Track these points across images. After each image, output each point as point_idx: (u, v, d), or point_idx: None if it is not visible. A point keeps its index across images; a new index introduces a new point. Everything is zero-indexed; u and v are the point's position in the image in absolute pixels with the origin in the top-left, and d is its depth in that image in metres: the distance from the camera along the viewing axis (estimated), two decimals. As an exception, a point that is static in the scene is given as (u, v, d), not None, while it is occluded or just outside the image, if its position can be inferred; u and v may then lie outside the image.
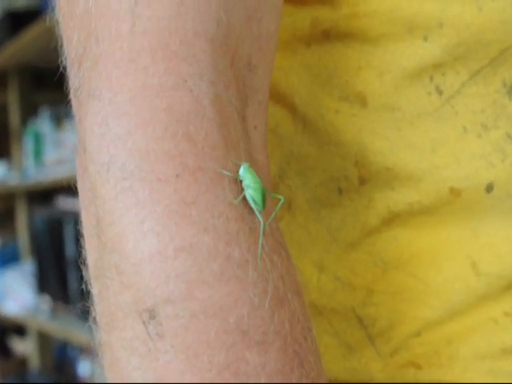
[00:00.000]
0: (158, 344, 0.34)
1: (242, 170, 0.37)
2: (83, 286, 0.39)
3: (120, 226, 0.35)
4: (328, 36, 0.50)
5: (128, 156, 0.35)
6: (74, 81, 0.40)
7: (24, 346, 3.03)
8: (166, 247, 0.34)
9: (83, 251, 0.39)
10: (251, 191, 0.37)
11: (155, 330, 0.34)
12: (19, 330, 3.04)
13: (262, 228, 0.37)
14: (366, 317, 0.52)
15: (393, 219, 0.51)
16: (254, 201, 0.37)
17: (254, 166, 0.38)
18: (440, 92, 0.48)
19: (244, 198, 0.37)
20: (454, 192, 0.49)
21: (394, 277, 0.51)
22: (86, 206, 0.38)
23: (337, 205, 0.52)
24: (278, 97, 0.53)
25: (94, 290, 0.38)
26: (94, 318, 0.38)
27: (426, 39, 0.47)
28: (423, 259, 0.50)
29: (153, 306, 0.34)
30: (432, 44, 0.47)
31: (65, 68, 0.42)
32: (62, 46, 0.42)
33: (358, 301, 0.52)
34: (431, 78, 0.48)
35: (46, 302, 2.45)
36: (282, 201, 0.40)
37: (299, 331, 0.36)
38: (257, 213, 0.37)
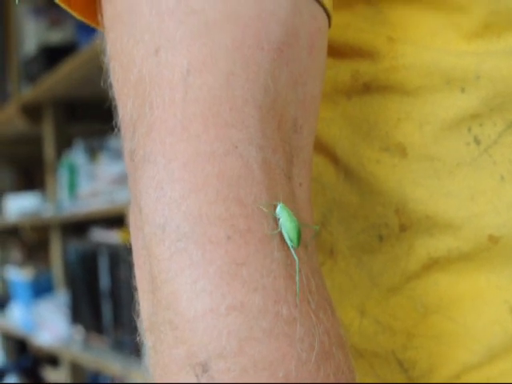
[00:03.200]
0: None
1: (278, 209, 0.38)
2: (137, 338, 0.41)
3: (174, 284, 0.36)
4: (368, 88, 0.52)
5: (182, 219, 0.37)
6: (128, 144, 0.41)
7: (57, 376, 3.04)
8: (219, 306, 0.35)
9: (137, 305, 0.41)
10: (287, 229, 0.38)
11: (207, 383, 0.35)
12: (52, 360, 3.06)
13: (297, 266, 0.38)
14: (407, 360, 0.53)
15: (432, 265, 0.52)
16: (289, 238, 0.38)
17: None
18: (478, 142, 0.49)
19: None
20: (493, 239, 0.50)
21: (434, 321, 0.52)
22: (140, 263, 0.40)
23: (378, 251, 0.53)
24: (321, 147, 0.55)
25: (149, 342, 0.39)
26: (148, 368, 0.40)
27: (463, 91, 0.49)
28: (463, 304, 0.51)
29: (206, 360, 0.35)
30: (469, 95, 0.49)
31: (119, 128, 0.43)
32: (115, 107, 0.44)
33: (398, 344, 0.53)
34: (469, 129, 0.49)
35: (79, 333, 2.46)
36: (316, 230, 0.42)
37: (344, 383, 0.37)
38: (292, 251, 0.38)
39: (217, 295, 0.36)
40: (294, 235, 0.39)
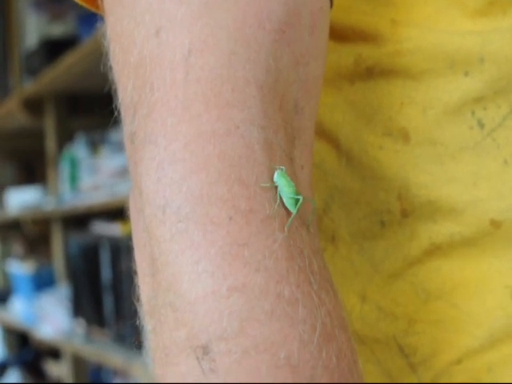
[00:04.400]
0: (211, 378, 0.35)
1: (276, 176, 0.38)
2: (137, 321, 0.41)
3: (175, 266, 0.36)
4: (371, 73, 0.51)
5: (183, 200, 0.37)
6: (129, 126, 0.41)
7: (59, 369, 3.05)
8: (220, 287, 0.35)
9: (137, 288, 0.41)
10: (286, 194, 0.38)
11: (208, 366, 0.35)
12: (54, 353, 3.06)
13: (295, 211, 0.38)
14: (408, 346, 0.53)
15: (434, 251, 0.51)
16: (289, 204, 0.39)
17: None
18: (482, 126, 0.49)
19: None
20: (495, 224, 0.49)
21: (436, 307, 0.52)
22: (140, 246, 0.40)
23: (379, 237, 0.53)
24: (323, 133, 0.54)
25: (149, 325, 0.39)
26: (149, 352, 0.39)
27: (466, 74, 0.49)
28: (465, 289, 0.51)
29: (206, 342, 0.35)
30: (473, 79, 0.48)
31: (119, 112, 0.43)
32: (115, 90, 0.44)
33: (399, 330, 0.53)
34: (473, 113, 0.49)
35: (80, 326, 2.46)
36: (315, 205, 0.42)
37: (346, 365, 0.37)
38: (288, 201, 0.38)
39: (218, 276, 0.35)
40: (292, 201, 0.39)
